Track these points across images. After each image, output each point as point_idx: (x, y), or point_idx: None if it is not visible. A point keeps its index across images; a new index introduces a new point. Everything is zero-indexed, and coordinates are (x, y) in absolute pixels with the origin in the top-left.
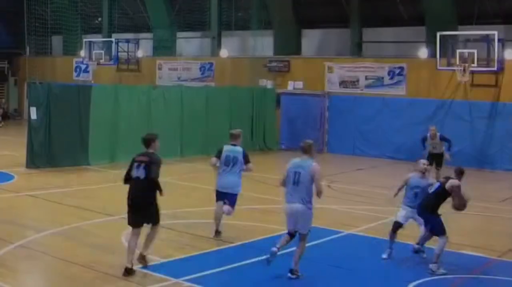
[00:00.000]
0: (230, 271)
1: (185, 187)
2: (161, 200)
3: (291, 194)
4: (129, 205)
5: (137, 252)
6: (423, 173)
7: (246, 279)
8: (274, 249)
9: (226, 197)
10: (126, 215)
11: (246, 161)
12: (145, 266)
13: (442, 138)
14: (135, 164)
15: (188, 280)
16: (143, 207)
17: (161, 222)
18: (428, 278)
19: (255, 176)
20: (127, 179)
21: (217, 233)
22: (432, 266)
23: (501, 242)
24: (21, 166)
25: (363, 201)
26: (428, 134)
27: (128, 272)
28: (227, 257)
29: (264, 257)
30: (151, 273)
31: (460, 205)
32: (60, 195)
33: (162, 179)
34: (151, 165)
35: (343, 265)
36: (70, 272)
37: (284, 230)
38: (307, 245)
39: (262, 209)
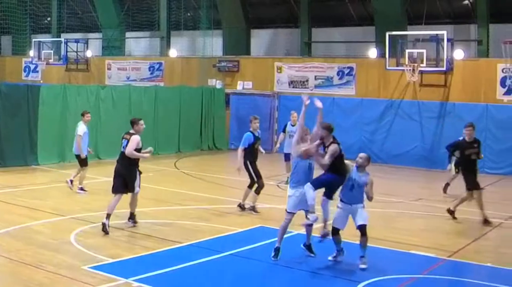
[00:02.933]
0: (180, 271)
1: None
2: (106, 201)
3: None
4: None
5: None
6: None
7: (195, 278)
8: None
9: None
10: (76, 215)
11: None
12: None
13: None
14: None
15: (137, 280)
16: None
17: (110, 222)
18: (378, 278)
19: (205, 176)
20: None
21: None
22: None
23: (451, 241)
24: None
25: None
26: (461, 139)
27: None
28: (177, 257)
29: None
30: (101, 273)
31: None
32: (10, 195)
33: (109, 179)
34: None
35: (293, 265)
36: (19, 272)
37: (232, 230)
38: (255, 245)
39: (211, 209)
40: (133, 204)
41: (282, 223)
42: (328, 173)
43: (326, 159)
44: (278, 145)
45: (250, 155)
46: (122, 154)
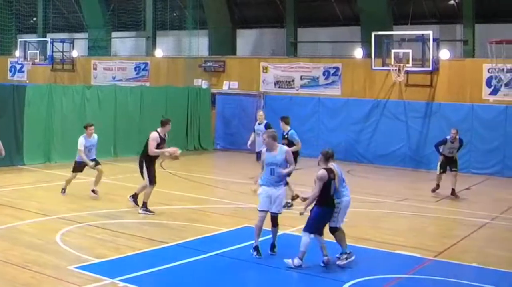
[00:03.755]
0: (165, 271)
1: (119, 187)
2: (92, 201)
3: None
4: None
5: None
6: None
7: (181, 279)
8: None
9: None
10: (61, 215)
11: None
12: None
13: (461, 142)
14: None
15: (123, 280)
16: None
17: (95, 222)
18: (364, 278)
19: (190, 176)
20: None
21: None
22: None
23: (436, 242)
24: None
25: (298, 201)
26: (449, 137)
27: None
28: (162, 257)
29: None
30: (87, 273)
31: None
32: None
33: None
34: None
35: (279, 264)
36: (5, 272)
37: (218, 230)
38: (241, 245)
39: (197, 209)
40: (143, 191)
41: (256, 222)
42: (315, 206)
43: (316, 188)
44: (249, 143)
45: None
46: (145, 146)
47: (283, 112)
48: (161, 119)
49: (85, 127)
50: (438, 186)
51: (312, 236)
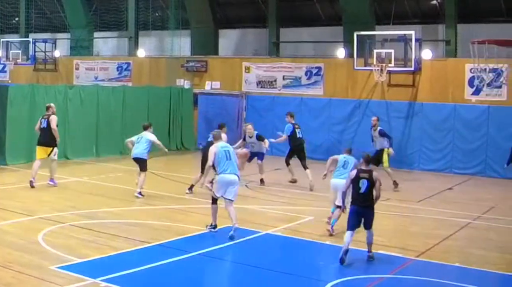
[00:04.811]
0: (148, 271)
1: (102, 187)
2: (74, 201)
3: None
4: None
5: None
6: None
7: (163, 279)
8: None
9: None
10: (43, 215)
11: None
12: None
13: (382, 134)
14: None
15: (105, 280)
16: None
17: (77, 222)
18: (346, 278)
19: (172, 175)
20: None
21: None
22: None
23: (418, 242)
24: None
25: (281, 201)
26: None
27: None
28: (145, 257)
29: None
30: (69, 273)
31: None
32: None
33: (77, 179)
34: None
35: (261, 265)
36: None
37: (200, 230)
38: (224, 245)
39: (179, 209)
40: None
41: None
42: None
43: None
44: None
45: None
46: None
47: (266, 112)
48: (220, 124)
49: (150, 126)
50: (395, 183)
51: (351, 232)
